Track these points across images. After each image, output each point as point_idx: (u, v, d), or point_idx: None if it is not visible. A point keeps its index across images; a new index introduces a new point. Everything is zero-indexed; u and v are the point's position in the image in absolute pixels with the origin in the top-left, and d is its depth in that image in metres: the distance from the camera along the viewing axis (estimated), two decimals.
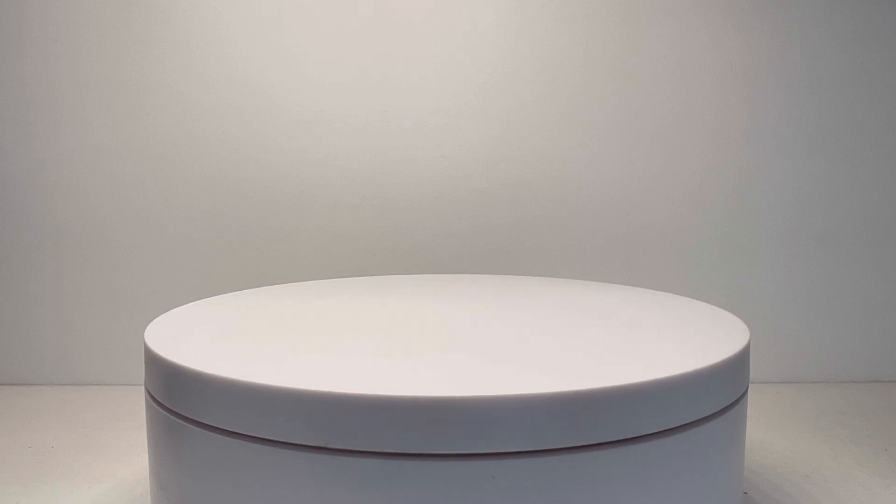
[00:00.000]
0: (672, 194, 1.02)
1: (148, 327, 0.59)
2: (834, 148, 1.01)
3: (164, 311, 0.66)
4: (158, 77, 0.99)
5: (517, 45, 0.99)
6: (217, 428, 0.46)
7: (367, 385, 0.44)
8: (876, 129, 1.01)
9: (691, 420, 0.47)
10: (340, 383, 0.44)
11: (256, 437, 0.45)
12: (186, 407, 0.48)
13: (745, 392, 0.55)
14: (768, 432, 0.82)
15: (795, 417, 0.88)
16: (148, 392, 0.54)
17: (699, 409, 0.47)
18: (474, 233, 1.01)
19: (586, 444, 0.43)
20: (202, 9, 0.98)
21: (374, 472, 0.42)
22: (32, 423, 0.86)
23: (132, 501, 0.65)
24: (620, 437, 0.44)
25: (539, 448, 0.42)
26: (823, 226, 1.02)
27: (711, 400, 0.49)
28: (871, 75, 1.00)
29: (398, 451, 0.42)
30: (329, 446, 0.43)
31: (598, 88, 1.00)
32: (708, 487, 0.49)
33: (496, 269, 1.01)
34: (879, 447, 0.78)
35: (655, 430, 0.45)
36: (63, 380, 1.02)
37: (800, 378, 1.03)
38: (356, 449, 0.42)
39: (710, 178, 1.01)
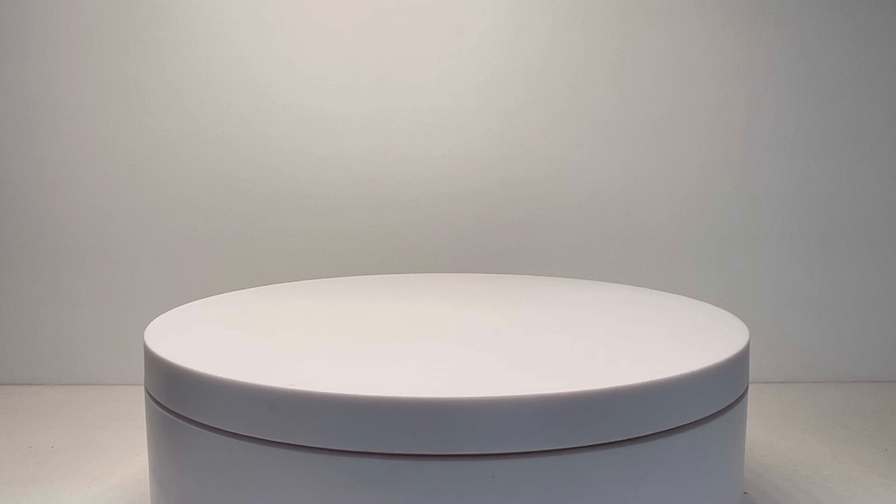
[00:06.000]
0: (672, 194, 1.02)
1: (148, 327, 0.59)
2: (834, 148, 1.01)
3: (164, 311, 0.66)
4: (158, 77, 0.99)
5: (517, 45, 0.99)
6: (217, 428, 0.46)
7: (367, 385, 0.44)
8: (876, 129, 1.01)
9: (691, 420, 0.47)
10: (341, 384, 0.44)
11: (256, 438, 0.45)
12: (186, 407, 0.48)
13: (745, 392, 0.55)
14: (768, 432, 0.82)
15: (795, 417, 0.88)
16: (148, 392, 0.54)
17: (699, 409, 0.47)
18: (474, 233, 1.01)
19: (586, 444, 0.43)
20: (202, 9, 0.98)
21: (374, 472, 0.42)
22: (32, 423, 0.86)
23: (132, 501, 0.65)
24: (620, 438, 0.44)
25: (539, 448, 0.42)
26: (823, 226, 1.02)
27: (711, 400, 0.49)
28: (871, 75, 1.00)
29: (398, 451, 0.42)
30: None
31: (597, 88, 1.00)
32: (708, 487, 0.49)
33: (496, 269, 1.01)
34: (879, 447, 0.78)
35: (655, 431, 0.45)
36: (63, 380, 1.02)
37: (800, 378, 1.03)
38: (356, 449, 0.42)
39: (710, 178, 1.01)
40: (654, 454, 0.45)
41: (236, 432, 0.45)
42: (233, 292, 0.76)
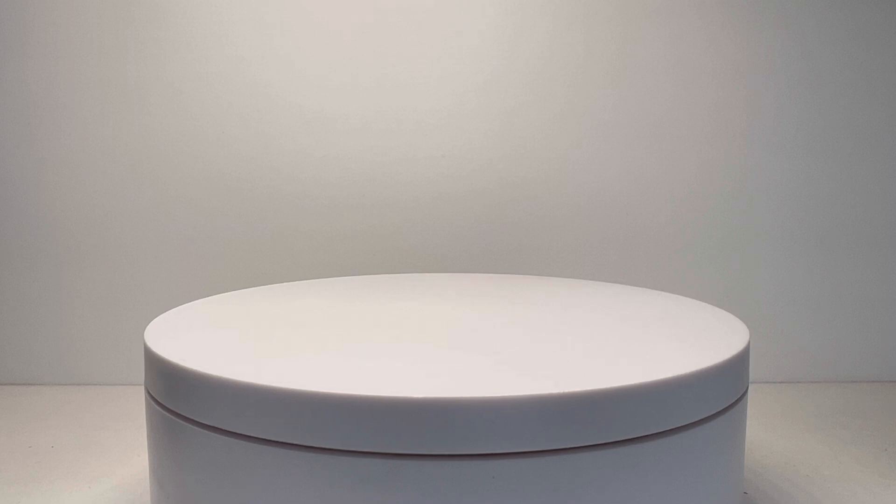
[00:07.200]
0: (672, 194, 1.02)
1: (148, 327, 0.59)
2: (834, 148, 1.01)
3: (164, 311, 0.66)
4: (158, 77, 0.99)
5: (517, 45, 0.99)
6: (217, 428, 0.46)
7: (366, 385, 0.44)
8: (876, 129, 1.01)
9: (691, 420, 0.47)
10: (340, 383, 0.44)
11: (256, 437, 0.45)
12: (186, 407, 0.48)
13: (745, 392, 0.55)
14: (768, 432, 0.82)
15: (795, 417, 0.88)
16: (148, 392, 0.54)
17: (699, 409, 0.47)
18: (474, 233, 1.01)
19: (586, 444, 0.43)
20: (202, 9, 0.98)
21: (374, 472, 0.42)
22: (32, 423, 0.86)
23: (132, 501, 0.65)
24: (620, 438, 0.44)
25: (539, 448, 0.42)
26: (823, 226, 1.02)
27: (711, 400, 0.49)
28: (871, 75, 1.00)
29: (398, 451, 0.42)
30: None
31: (597, 88, 1.00)
32: (708, 487, 0.49)
33: (496, 269, 1.01)
34: (879, 447, 0.78)
35: (655, 431, 0.45)
36: (63, 380, 1.02)
37: (800, 378, 1.03)
38: (356, 449, 0.42)
39: (710, 178, 1.01)
40: (654, 454, 0.45)
41: (236, 432, 0.45)
42: (233, 292, 0.76)
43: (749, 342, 0.56)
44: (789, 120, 1.00)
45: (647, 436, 0.45)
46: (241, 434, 0.45)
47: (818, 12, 0.99)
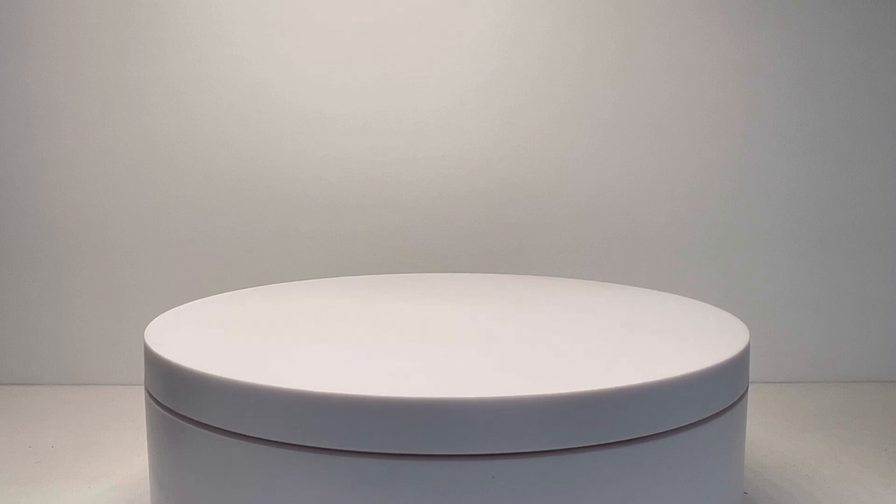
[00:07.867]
0: (672, 194, 1.02)
1: (148, 327, 0.59)
2: (834, 148, 1.01)
3: (164, 311, 0.66)
4: (158, 77, 0.99)
5: (517, 45, 0.99)
6: (217, 428, 0.46)
7: (366, 385, 0.44)
8: (876, 129, 1.01)
9: (691, 420, 0.47)
10: (340, 383, 0.44)
11: (256, 437, 0.45)
12: (186, 407, 0.48)
13: (745, 392, 0.55)
14: (768, 432, 0.82)
15: (795, 417, 0.88)
16: (148, 392, 0.54)
17: (699, 409, 0.47)
18: (474, 233, 1.01)
19: (586, 444, 0.43)
20: (202, 9, 0.98)
21: (374, 472, 0.42)
22: (32, 423, 0.86)
23: (132, 501, 0.65)
24: (620, 438, 0.44)
25: (539, 448, 0.42)
26: (823, 226, 1.02)
27: (711, 400, 0.49)
28: (871, 75, 1.00)
29: (398, 451, 0.42)
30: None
31: (597, 88, 1.00)
32: (708, 487, 0.49)
33: (496, 269, 1.01)
34: (879, 447, 0.78)
35: (656, 431, 0.45)
36: (63, 380, 1.02)
37: (800, 378, 1.03)
38: (356, 449, 0.42)
39: (710, 178, 1.01)
40: (654, 454, 0.45)
41: (236, 432, 0.45)
42: (233, 292, 0.76)
43: (749, 342, 0.56)
44: (789, 120, 1.00)
45: (647, 436, 0.45)
46: (241, 434, 0.45)
47: (818, 12, 0.99)
